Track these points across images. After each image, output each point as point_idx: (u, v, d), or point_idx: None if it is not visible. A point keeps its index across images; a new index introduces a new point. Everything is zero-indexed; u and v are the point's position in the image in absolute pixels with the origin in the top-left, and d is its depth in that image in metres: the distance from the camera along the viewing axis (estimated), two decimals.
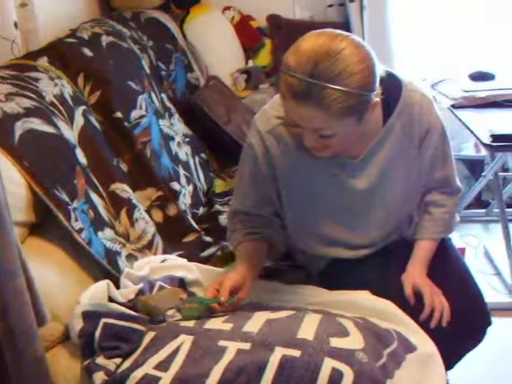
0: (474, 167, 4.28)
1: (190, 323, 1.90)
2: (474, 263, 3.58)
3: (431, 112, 2.06)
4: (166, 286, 2.12)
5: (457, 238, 3.46)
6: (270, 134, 2.03)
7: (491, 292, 3.36)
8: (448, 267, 2.17)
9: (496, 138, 2.93)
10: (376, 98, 1.80)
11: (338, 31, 1.77)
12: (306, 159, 2.02)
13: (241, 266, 2.06)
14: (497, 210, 3.70)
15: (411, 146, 2.05)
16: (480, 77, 3.71)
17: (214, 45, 4.02)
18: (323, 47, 1.71)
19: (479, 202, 4.27)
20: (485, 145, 2.99)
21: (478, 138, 3.04)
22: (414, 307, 2.02)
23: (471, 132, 3.12)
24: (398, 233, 2.21)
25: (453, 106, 3.40)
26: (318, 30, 1.77)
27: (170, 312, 2.07)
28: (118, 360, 1.79)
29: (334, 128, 1.79)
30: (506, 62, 3.98)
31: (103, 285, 1.99)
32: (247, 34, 4.34)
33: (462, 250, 3.38)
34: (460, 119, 3.27)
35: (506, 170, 4.14)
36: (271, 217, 2.19)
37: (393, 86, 1.96)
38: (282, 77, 1.76)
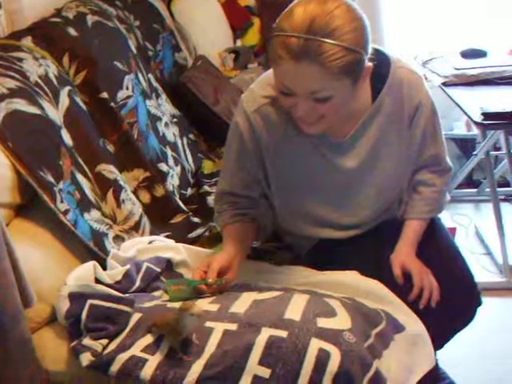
0: (465, 146, 4.26)
1: (177, 304, 1.88)
2: (465, 243, 3.58)
3: (420, 89, 2.03)
4: (153, 267, 2.11)
5: (448, 218, 3.47)
6: (256, 113, 2.01)
7: (482, 272, 3.35)
8: (437, 247, 2.15)
9: (487, 116, 2.91)
10: (369, 62, 1.79)
11: None
12: (293, 139, 2.00)
13: (228, 248, 2.05)
14: (488, 190, 3.69)
15: (401, 123, 2.03)
16: (472, 54, 3.68)
17: (202, 24, 3.97)
18: (317, 6, 1.70)
19: (470, 182, 4.25)
20: (476, 123, 2.97)
21: (469, 117, 3.02)
22: (402, 287, 2.01)
23: (462, 110, 3.11)
24: (388, 213, 2.19)
25: (444, 83, 3.38)
26: None
27: (157, 293, 2.07)
28: (104, 341, 1.80)
29: (330, 89, 1.75)
30: (497, 39, 3.94)
31: (90, 266, 1.99)
32: (235, 12, 4.29)
33: (453, 230, 3.38)
34: (451, 97, 3.25)
35: (497, 148, 4.11)
36: (258, 197, 2.17)
37: (381, 63, 1.94)
38: (276, 40, 1.73)
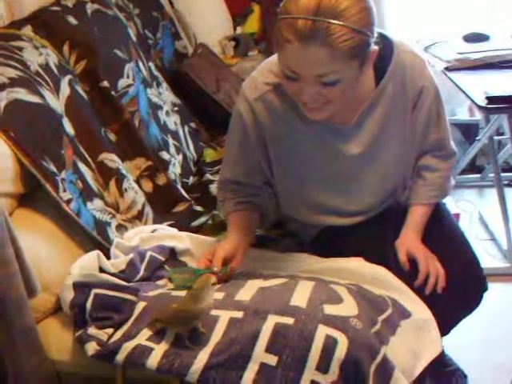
0: (468, 132, 4.24)
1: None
2: (469, 229, 3.55)
3: (424, 72, 2.02)
4: (156, 255, 2.11)
5: (451, 204, 3.45)
6: (258, 100, 1.99)
7: (486, 258, 3.33)
8: (443, 232, 2.14)
9: (491, 99, 2.89)
10: (374, 46, 1.77)
11: None
12: (296, 126, 1.98)
13: (233, 236, 2.04)
14: (492, 175, 3.67)
15: (404, 107, 2.02)
16: (474, 38, 3.63)
17: (202, 12, 3.95)
18: None
19: (474, 167, 4.23)
20: (480, 107, 2.94)
21: (472, 101, 2.99)
22: (408, 273, 2.00)
23: (466, 95, 3.07)
24: (393, 199, 2.18)
25: (447, 68, 3.34)
26: None
27: (161, 282, 2.06)
28: (109, 330, 1.80)
29: (338, 72, 1.72)
30: (501, 23, 3.91)
31: (94, 255, 1.98)
32: None
33: (457, 216, 3.35)
34: (454, 82, 3.21)
35: (500, 133, 4.09)
36: (262, 185, 2.15)
37: (384, 47, 1.92)
38: (283, 23, 1.70)
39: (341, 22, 1.65)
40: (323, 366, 1.58)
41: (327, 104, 1.82)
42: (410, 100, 2.01)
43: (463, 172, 4.08)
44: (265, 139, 2.04)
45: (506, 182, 3.79)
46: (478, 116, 4.10)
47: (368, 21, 1.71)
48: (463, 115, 4.26)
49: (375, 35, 1.76)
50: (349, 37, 1.66)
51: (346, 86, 1.78)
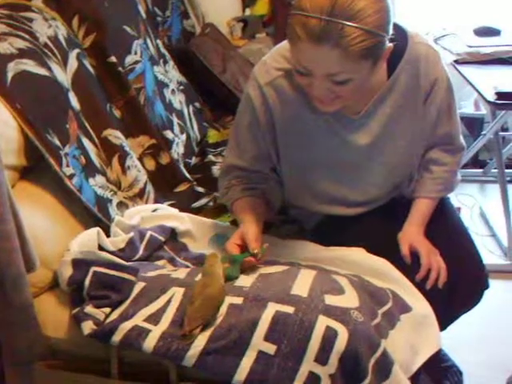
0: (473, 126, 4.22)
1: (181, 275, 1.86)
2: (469, 224, 3.51)
3: (437, 65, 1.99)
4: (156, 235, 2.10)
5: (452, 198, 3.44)
6: (269, 86, 1.96)
7: (486, 254, 3.27)
8: (446, 227, 2.13)
9: (501, 95, 2.88)
10: (389, 43, 1.74)
11: None
12: (306, 114, 1.96)
13: (249, 218, 1.99)
14: (494, 170, 3.65)
15: (416, 99, 1.99)
16: (485, 32, 3.63)
17: None
18: None
19: (476, 162, 4.22)
20: (489, 102, 2.94)
21: (481, 95, 2.98)
22: (410, 267, 1.98)
23: (475, 88, 3.07)
24: (398, 191, 2.17)
25: (456, 61, 3.34)
26: None
27: (160, 262, 2.05)
28: (106, 309, 1.78)
29: (349, 72, 1.70)
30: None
31: (93, 232, 1.97)
32: None
33: (458, 210, 3.35)
34: (463, 75, 3.21)
35: (505, 129, 4.08)
36: (268, 172, 2.13)
37: (398, 38, 1.89)
38: (296, 20, 1.67)
39: (355, 24, 1.61)
40: (322, 358, 1.57)
41: (338, 98, 1.80)
42: (423, 92, 1.99)
43: (465, 166, 4.06)
44: (274, 125, 2.01)
45: (508, 179, 3.77)
46: (484, 110, 4.08)
47: (384, 21, 1.67)
48: (468, 109, 4.24)
49: (390, 32, 1.73)
50: (363, 38, 1.63)
51: (358, 84, 1.76)
